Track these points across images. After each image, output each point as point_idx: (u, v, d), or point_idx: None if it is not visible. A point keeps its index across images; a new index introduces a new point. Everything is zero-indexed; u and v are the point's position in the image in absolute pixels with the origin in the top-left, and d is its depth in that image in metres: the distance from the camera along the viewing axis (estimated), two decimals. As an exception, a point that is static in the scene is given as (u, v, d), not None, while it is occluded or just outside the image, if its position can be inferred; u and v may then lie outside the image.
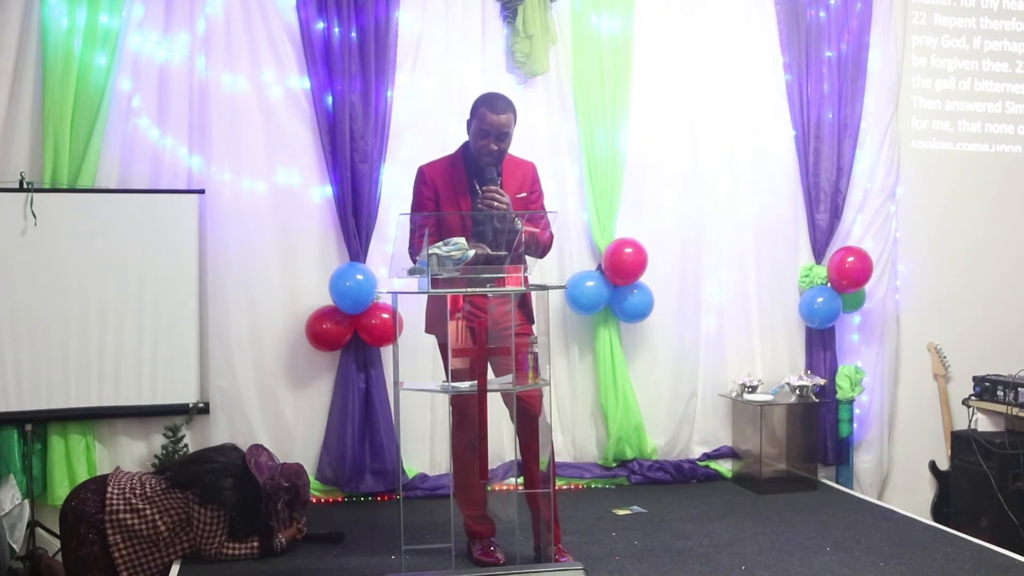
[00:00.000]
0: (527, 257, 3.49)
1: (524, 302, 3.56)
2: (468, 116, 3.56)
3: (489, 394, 3.21)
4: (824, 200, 5.07)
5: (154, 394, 4.28)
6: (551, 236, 3.62)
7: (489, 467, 3.56)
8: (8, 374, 4.10)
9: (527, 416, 3.45)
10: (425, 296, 3.47)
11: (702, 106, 4.97)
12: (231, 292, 4.44)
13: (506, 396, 3.44)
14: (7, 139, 4.18)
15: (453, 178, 3.55)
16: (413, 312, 4.35)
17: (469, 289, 3.23)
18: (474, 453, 3.43)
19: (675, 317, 4.96)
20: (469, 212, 3.47)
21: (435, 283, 3.17)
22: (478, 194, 3.46)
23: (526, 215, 3.47)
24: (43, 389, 4.14)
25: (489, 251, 3.33)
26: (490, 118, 3.44)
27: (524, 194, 3.59)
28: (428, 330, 3.64)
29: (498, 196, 3.40)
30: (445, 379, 3.43)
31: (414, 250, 3.44)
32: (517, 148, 4.28)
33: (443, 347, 3.50)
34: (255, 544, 3.69)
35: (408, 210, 3.63)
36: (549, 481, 3.46)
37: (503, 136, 3.47)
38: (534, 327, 3.55)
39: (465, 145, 3.61)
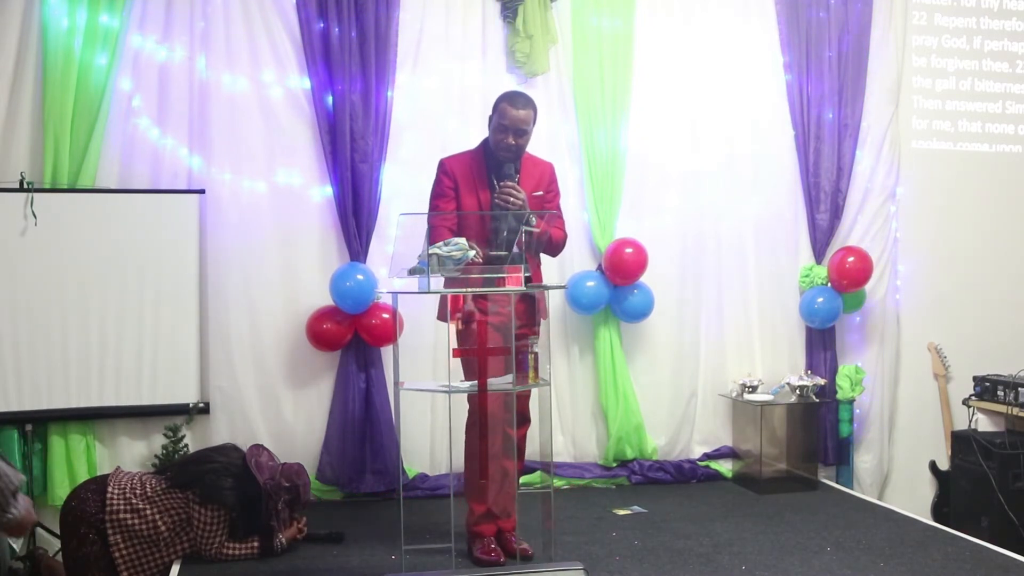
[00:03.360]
0: (542, 254, 3.53)
1: (530, 304, 3.57)
2: (490, 112, 3.63)
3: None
4: (824, 200, 5.07)
5: (154, 394, 4.28)
6: (565, 235, 3.68)
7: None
8: (8, 374, 4.10)
9: (514, 415, 3.47)
10: (426, 295, 3.48)
11: (702, 106, 4.97)
12: (231, 292, 4.44)
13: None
14: (7, 139, 4.18)
15: (473, 171, 3.63)
16: (413, 312, 4.37)
17: (469, 289, 3.24)
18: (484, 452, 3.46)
19: (675, 317, 4.96)
20: (487, 209, 3.52)
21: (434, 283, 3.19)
22: (496, 189, 3.51)
23: (544, 215, 3.52)
24: (43, 389, 4.14)
25: (485, 252, 3.35)
26: (510, 113, 3.52)
27: (540, 192, 3.65)
28: (440, 318, 3.72)
29: (514, 192, 3.48)
30: (463, 377, 3.49)
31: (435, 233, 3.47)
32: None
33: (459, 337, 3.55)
34: (255, 544, 3.69)
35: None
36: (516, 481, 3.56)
37: (521, 132, 3.54)
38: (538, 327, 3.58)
39: (486, 141, 3.67)
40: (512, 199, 3.47)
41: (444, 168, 3.67)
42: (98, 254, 4.20)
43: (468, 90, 4.64)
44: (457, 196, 3.60)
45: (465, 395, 3.43)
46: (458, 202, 3.60)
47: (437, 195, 3.66)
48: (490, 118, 3.63)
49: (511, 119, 3.52)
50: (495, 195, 3.51)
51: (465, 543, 3.64)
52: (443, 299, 3.64)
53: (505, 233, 3.44)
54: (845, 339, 5.17)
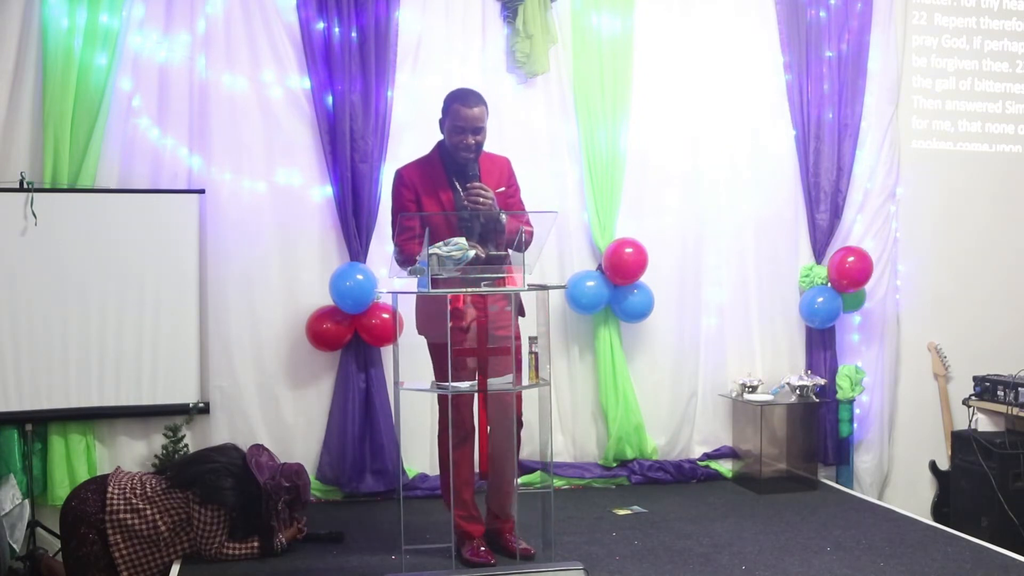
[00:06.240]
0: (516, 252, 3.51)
1: (516, 300, 3.57)
2: (440, 115, 3.58)
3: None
4: (824, 200, 5.07)
5: (154, 394, 4.28)
6: (532, 228, 3.64)
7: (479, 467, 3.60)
8: (8, 374, 4.10)
9: (508, 415, 3.46)
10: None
11: (702, 106, 4.97)
12: (231, 292, 4.44)
13: (487, 396, 3.47)
14: (7, 139, 4.18)
15: (432, 177, 3.57)
16: (413, 312, 4.37)
17: (469, 289, 3.24)
18: (463, 452, 3.46)
19: (675, 317, 4.96)
20: (454, 212, 3.48)
21: (435, 283, 3.18)
22: (458, 191, 3.49)
23: (523, 216, 3.50)
24: (43, 389, 4.14)
25: (485, 252, 3.35)
26: (464, 113, 3.48)
27: (503, 188, 3.62)
28: (420, 331, 3.64)
29: (483, 193, 3.44)
30: (436, 379, 3.46)
31: (403, 255, 3.41)
32: (517, 148, 4.29)
33: (435, 347, 3.52)
34: (255, 544, 3.69)
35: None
36: (514, 482, 3.55)
37: (479, 130, 3.51)
38: (521, 320, 3.59)
39: (439, 144, 3.64)
40: (482, 200, 3.42)
41: (403, 180, 3.59)
42: (98, 254, 4.20)
43: (468, 90, 4.64)
44: (419, 205, 3.54)
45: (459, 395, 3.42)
46: (420, 209, 3.53)
47: (398, 209, 3.57)
48: (441, 121, 3.57)
49: (466, 118, 3.48)
50: (464, 199, 3.45)
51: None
52: (422, 313, 3.60)
53: (478, 233, 3.41)
54: (845, 339, 5.17)
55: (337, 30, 4.46)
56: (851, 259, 4.92)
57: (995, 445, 4.58)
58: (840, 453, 5.09)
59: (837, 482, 5.03)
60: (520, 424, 3.67)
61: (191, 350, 4.33)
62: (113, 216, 4.21)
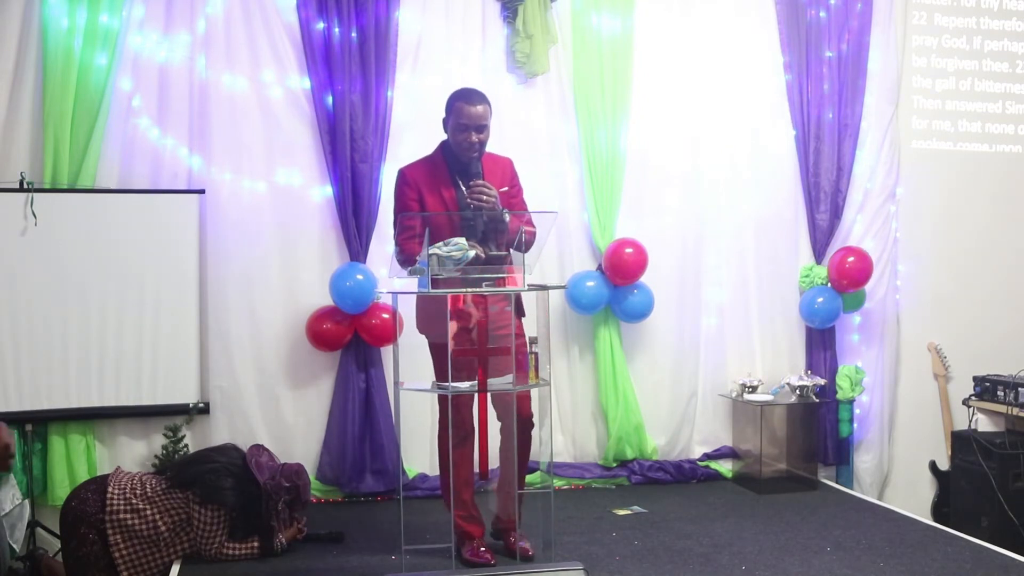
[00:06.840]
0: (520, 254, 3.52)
1: (516, 300, 3.58)
2: (443, 115, 3.60)
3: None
4: (824, 200, 5.07)
5: (154, 394, 4.28)
6: (535, 228, 3.65)
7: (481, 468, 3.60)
8: (8, 374, 4.10)
9: (509, 416, 3.47)
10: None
11: (702, 106, 4.97)
12: (231, 292, 4.44)
13: (493, 396, 3.48)
14: (7, 139, 4.19)
15: (435, 176, 3.58)
16: (413, 312, 4.37)
17: (469, 289, 3.24)
18: (462, 453, 3.46)
19: (675, 317, 4.96)
20: (457, 210, 3.48)
21: (435, 283, 3.18)
22: (462, 189, 3.50)
23: (523, 215, 3.50)
24: (43, 389, 4.14)
25: (486, 251, 3.35)
26: (467, 111, 3.50)
27: (505, 188, 3.62)
28: (421, 330, 3.65)
29: (486, 190, 3.44)
30: (436, 379, 3.46)
31: (404, 255, 3.40)
32: (517, 148, 4.29)
33: (436, 347, 3.52)
34: (255, 544, 3.69)
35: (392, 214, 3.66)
36: (520, 481, 3.58)
37: (482, 128, 3.52)
38: (523, 320, 3.59)
39: (443, 144, 3.65)
40: (485, 197, 3.43)
41: (405, 179, 3.60)
42: (98, 254, 4.20)
43: (468, 90, 4.64)
44: (422, 204, 3.55)
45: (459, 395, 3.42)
46: (423, 208, 3.54)
47: (400, 208, 3.58)
48: (445, 120, 3.59)
49: (469, 116, 3.49)
50: (467, 196, 3.46)
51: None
52: (422, 312, 3.60)
53: (480, 231, 3.41)
54: (845, 339, 5.17)
55: (337, 30, 4.46)
56: (851, 259, 4.92)
57: (995, 445, 4.58)
58: (840, 453, 5.09)
59: (837, 482, 5.03)
60: (531, 424, 3.67)
61: (191, 350, 4.33)
62: (113, 216, 4.21)
